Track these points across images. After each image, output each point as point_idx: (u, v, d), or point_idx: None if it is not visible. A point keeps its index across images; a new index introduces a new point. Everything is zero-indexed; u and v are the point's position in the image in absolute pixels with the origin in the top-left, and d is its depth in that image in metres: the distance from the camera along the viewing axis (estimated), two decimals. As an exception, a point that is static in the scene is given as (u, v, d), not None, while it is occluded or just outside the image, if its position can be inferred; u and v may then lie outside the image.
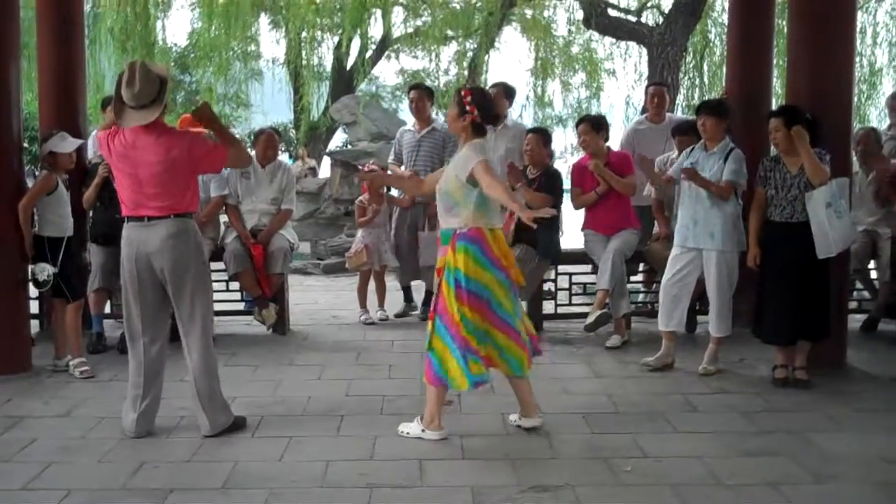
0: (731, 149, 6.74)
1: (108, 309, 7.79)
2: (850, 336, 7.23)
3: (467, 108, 5.21)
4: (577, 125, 8.11)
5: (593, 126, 7.79)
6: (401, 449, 5.04)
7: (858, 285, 8.57)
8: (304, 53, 18.44)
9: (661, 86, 9.48)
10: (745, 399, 6.07)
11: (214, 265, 7.89)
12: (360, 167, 6.81)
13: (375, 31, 20.28)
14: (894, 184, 6.61)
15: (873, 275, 8.40)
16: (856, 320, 8.04)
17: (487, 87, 9.56)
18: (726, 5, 11.58)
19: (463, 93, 5.34)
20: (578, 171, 8.00)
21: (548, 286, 8.60)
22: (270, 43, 28.61)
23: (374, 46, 23.31)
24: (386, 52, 25.23)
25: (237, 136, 5.59)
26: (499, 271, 5.18)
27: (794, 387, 6.33)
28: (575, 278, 8.59)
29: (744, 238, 6.73)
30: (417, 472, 4.69)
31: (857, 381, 6.58)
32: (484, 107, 5.27)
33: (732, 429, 5.45)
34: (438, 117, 9.38)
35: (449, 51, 19.64)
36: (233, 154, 5.37)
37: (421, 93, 8.99)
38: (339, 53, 19.83)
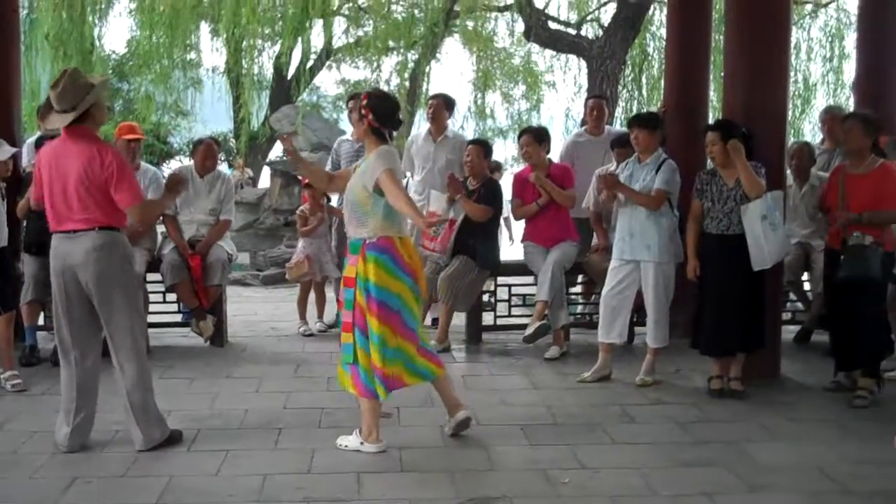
0: (663, 160, 6.81)
1: (41, 321, 7.65)
2: (783, 347, 7.33)
3: (363, 111, 5.21)
4: (520, 137, 8.16)
5: (536, 138, 7.83)
6: (339, 462, 5.01)
7: (792, 297, 8.69)
8: (244, 62, 18.32)
9: (600, 98, 9.57)
10: (681, 409, 6.13)
11: (151, 276, 7.85)
12: (283, 136, 6.72)
13: (317, 40, 20.21)
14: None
15: (807, 286, 8.52)
16: (789, 331, 8.16)
17: (428, 99, 9.59)
18: (665, 20, 11.71)
19: (362, 96, 5.34)
20: (520, 182, 8.03)
21: (487, 297, 8.62)
22: (210, 51, 28.35)
23: (314, 56, 23.25)
24: (327, 62, 25.17)
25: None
26: (408, 278, 5.19)
27: (729, 397, 6.40)
28: (514, 289, 8.61)
29: (680, 250, 6.80)
30: (355, 485, 4.67)
31: (791, 392, 6.67)
32: (379, 111, 5.24)
33: (669, 439, 5.50)
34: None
35: (390, 61, 19.66)
36: (139, 211, 5.30)
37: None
38: (280, 63, 19.72)
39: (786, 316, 8.35)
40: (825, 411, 6.15)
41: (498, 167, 13.33)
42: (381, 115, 5.25)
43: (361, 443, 5.21)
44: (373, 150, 5.27)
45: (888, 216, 6.29)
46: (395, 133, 5.54)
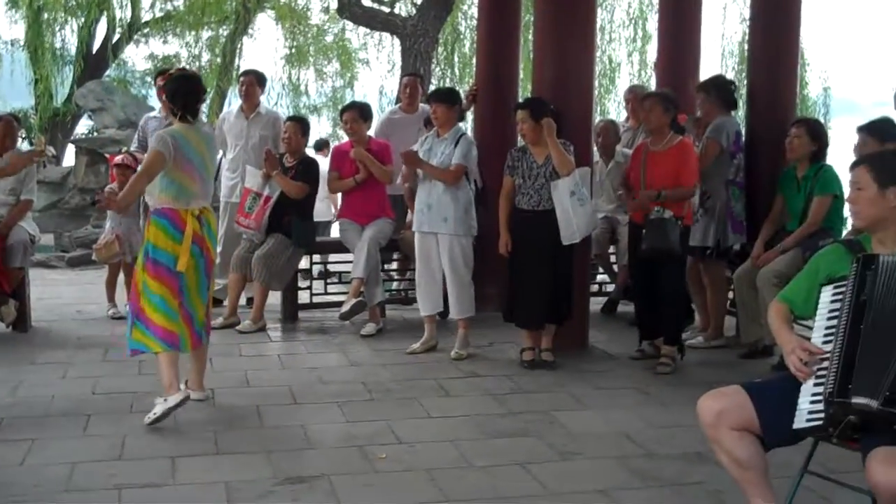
0: (461, 134, 6.94)
1: None
2: (591, 318, 7.58)
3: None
4: (343, 112, 8.12)
5: (361, 114, 7.83)
6: (152, 447, 4.89)
7: (599, 269, 9.00)
8: (45, 35, 17.53)
9: (414, 76, 9.61)
10: (495, 381, 6.26)
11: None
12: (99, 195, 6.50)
13: (124, 14, 19.53)
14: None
15: (612, 259, 8.83)
16: (597, 303, 8.45)
17: (240, 75, 9.43)
18: (476, -1, 11.87)
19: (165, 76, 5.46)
20: (338, 155, 8.01)
21: (319, 271, 8.60)
22: (9, 24, 26.98)
23: (121, 30, 22.45)
24: (135, 37, 24.33)
25: None
26: (194, 245, 5.30)
27: (540, 368, 6.57)
28: (330, 267, 8.58)
29: (475, 223, 6.95)
30: (170, 469, 4.57)
31: (599, 361, 6.91)
32: (173, 92, 5.43)
33: (483, 411, 5.61)
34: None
35: (201, 37, 19.19)
36: None
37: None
38: (84, 36, 18.95)
39: (593, 288, 8.64)
40: (631, 379, 6.40)
41: (326, 144, 13.27)
42: (176, 96, 5.38)
43: (165, 399, 5.18)
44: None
45: (683, 193, 6.57)
46: (199, 113, 5.56)
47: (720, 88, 7.40)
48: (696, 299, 7.50)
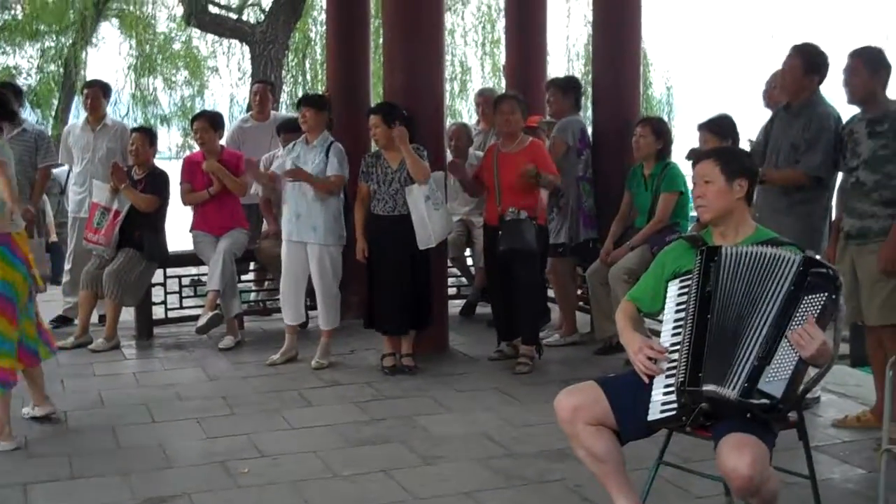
0: (331, 142, 6.89)
1: None
2: (451, 321, 7.65)
3: None
4: (192, 122, 7.97)
5: (210, 123, 7.69)
6: (2, 475, 4.69)
7: (456, 272, 9.07)
8: None
9: (264, 84, 9.50)
10: (357, 389, 6.25)
11: None
12: None
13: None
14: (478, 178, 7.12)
15: (469, 262, 8.92)
16: (455, 305, 8.52)
17: (83, 86, 9.16)
18: (325, 4, 11.81)
19: None
20: (189, 166, 7.84)
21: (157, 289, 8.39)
22: None
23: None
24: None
25: None
26: (24, 266, 5.14)
27: (402, 374, 6.60)
28: (185, 280, 8.41)
29: (345, 232, 6.93)
30: (21, 498, 4.40)
31: (460, 364, 6.97)
32: None
33: (346, 420, 5.59)
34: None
35: (43, 47, 18.56)
36: None
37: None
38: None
39: (451, 291, 8.71)
40: (491, 380, 6.47)
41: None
42: None
43: None
44: None
45: (554, 179, 6.74)
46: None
47: (574, 88, 7.67)
48: (558, 297, 7.66)
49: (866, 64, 5.11)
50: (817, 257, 3.45)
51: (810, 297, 3.29)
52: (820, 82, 5.58)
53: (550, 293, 7.76)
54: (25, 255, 5.15)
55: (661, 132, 6.88)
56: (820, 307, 3.27)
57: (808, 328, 3.21)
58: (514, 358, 6.81)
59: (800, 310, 3.27)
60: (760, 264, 3.39)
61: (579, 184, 7.35)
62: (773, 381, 3.23)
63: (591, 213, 7.41)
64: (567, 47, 18.14)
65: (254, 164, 7.43)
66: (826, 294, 3.29)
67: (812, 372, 3.53)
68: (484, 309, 8.40)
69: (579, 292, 7.82)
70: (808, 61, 5.55)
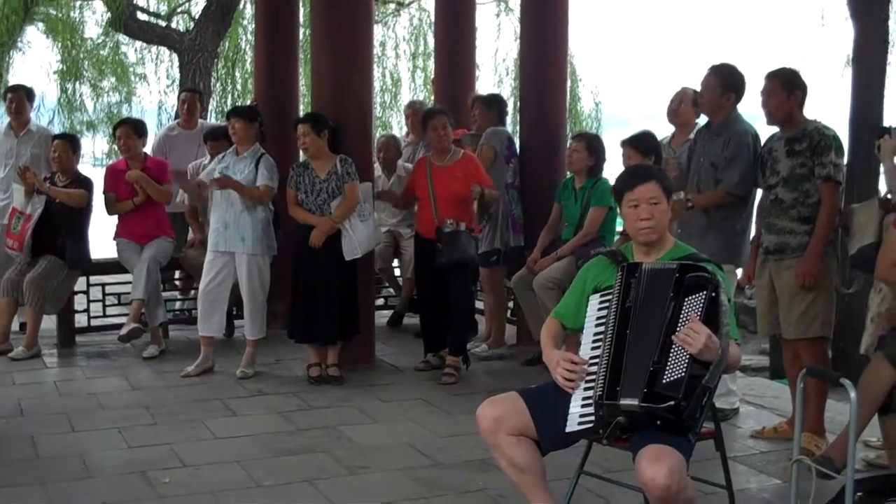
0: (261, 154, 6.86)
1: None
2: (377, 331, 7.65)
3: None
4: (115, 129, 7.89)
5: (135, 130, 7.61)
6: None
7: (384, 283, 9.08)
8: None
9: (192, 92, 9.43)
10: (282, 399, 6.23)
11: None
12: None
13: None
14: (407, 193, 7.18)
15: (397, 272, 8.94)
16: (382, 316, 8.52)
17: (6, 91, 9.01)
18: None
19: None
20: (113, 174, 7.71)
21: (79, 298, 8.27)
22: None
23: None
24: None
25: None
26: None
27: (327, 384, 6.58)
28: (109, 289, 8.31)
29: (274, 242, 6.91)
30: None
31: (386, 374, 6.98)
32: None
33: (270, 430, 5.57)
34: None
35: (-37, 51, 18.15)
36: None
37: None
38: None
39: (379, 301, 8.72)
40: (417, 390, 6.50)
41: None
42: None
43: None
44: None
45: (496, 195, 6.91)
46: None
47: (498, 103, 7.80)
48: (487, 307, 7.72)
49: (783, 85, 5.24)
50: (692, 262, 3.53)
51: (689, 298, 3.38)
52: (737, 101, 5.71)
53: (478, 304, 7.81)
54: None
55: (594, 149, 6.98)
56: (701, 306, 3.35)
57: (692, 325, 3.28)
58: (440, 369, 6.84)
59: (683, 311, 3.36)
60: (659, 279, 3.48)
61: (508, 191, 7.44)
62: (671, 381, 3.29)
63: (519, 220, 7.51)
64: (496, 62, 18.24)
65: (182, 175, 7.39)
66: (704, 293, 3.38)
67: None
68: (411, 320, 8.43)
69: (510, 304, 7.90)
70: (724, 80, 5.68)
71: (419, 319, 7.45)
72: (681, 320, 3.35)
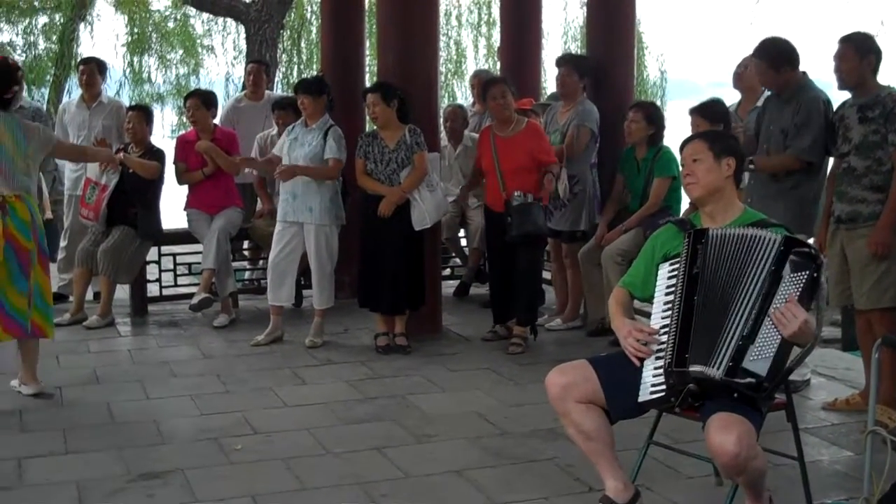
0: (330, 125, 6.89)
1: None
2: (444, 301, 7.67)
3: None
4: (185, 101, 7.97)
5: (203, 101, 7.68)
6: (-4, 449, 4.74)
7: (451, 253, 9.09)
8: None
9: (258, 63, 9.50)
10: (350, 368, 6.29)
11: None
12: None
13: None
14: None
15: (463, 242, 8.94)
16: (449, 286, 8.54)
17: (79, 63, 9.15)
18: (320, -16, 11.80)
19: None
20: (183, 145, 7.83)
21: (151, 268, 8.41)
22: None
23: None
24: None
25: None
26: None
27: (395, 353, 6.62)
28: (179, 258, 8.44)
29: (342, 213, 6.94)
30: (16, 471, 4.44)
31: (452, 344, 7.00)
32: None
33: (339, 398, 5.63)
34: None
35: (37, 24, 18.48)
36: None
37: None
38: None
39: (445, 272, 8.74)
40: (484, 360, 6.51)
41: None
42: None
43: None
44: None
45: (552, 168, 6.71)
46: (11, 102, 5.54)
47: (590, 72, 7.45)
48: (556, 282, 7.68)
49: (856, 49, 5.13)
50: (799, 237, 3.49)
51: (792, 276, 3.33)
52: (793, 70, 5.59)
53: (545, 274, 7.78)
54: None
55: (652, 118, 6.88)
56: (801, 286, 3.31)
57: (790, 306, 3.25)
58: (507, 339, 6.84)
59: (781, 289, 3.31)
60: (744, 245, 3.43)
61: (592, 170, 7.34)
62: (758, 360, 3.28)
63: (600, 198, 7.39)
64: (564, 29, 18.13)
65: (253, 160, 7.49)
66: (807, 273, 3.33)
67: (798, 351, 3.57)
68: (477, 290, 8.45)
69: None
70: (772, 59, 5.58)
71: (489, 291, 7.44)
72: (777, 297, 3.30)
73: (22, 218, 5.35)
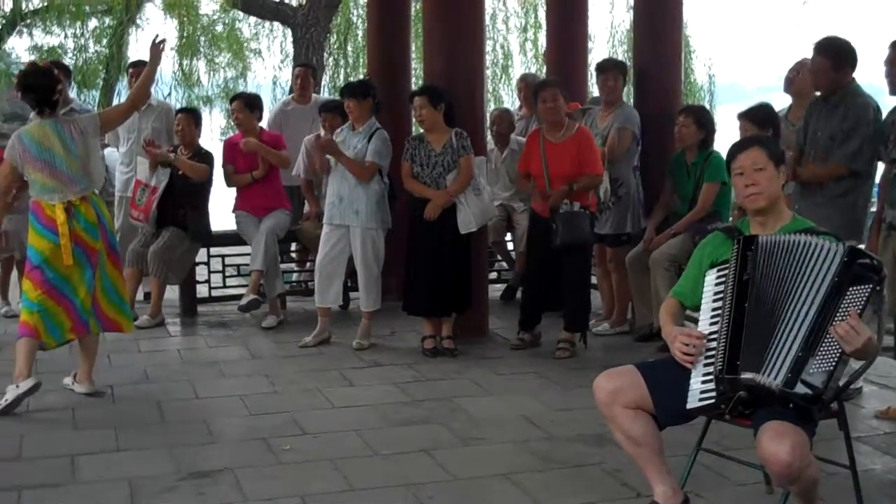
0: (376, 129, 6.92)
1: None
2: (491, 305, 7.68)
3: None
4: (231, 103, 8.06)
5: (247, 104, 7.76)
6: (51, 446, 4.80)
7: (497, 256, 9.10)
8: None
9: (305, 67, 9.57)
10: (397, 370, 6.32)
11: None
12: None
13: (3, 3, 18.93)
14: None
15: (510, 246, 8.94)
16: (496, 290, 8.54)
17: (128, 66, 9.26)
18: (367, -12, 11.84)
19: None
20: (230, 148, 7.93)
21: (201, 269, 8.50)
22: None
23: (3, 21, 21.74)
24: (18, 28, 23.59)
25: None
26: (55, 236, 5.37)
27: (442, 356, 6.65)
28: (228, 260, 8.52)
29: (388, 216, 6.97)
30: (69, 468, 4.50)
31: (499, 347, 7.01)
32: (24, 88, 5.53)
33: (386, 400, 5.65)
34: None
35: (87, 27, 18.72)
36: None
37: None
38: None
39: (492, 275, 8.74)
40: (531, 364, 6.51)
41: None
42: (26, 92, 5.53)
43: (16, 385, 5.31)
44: None
45: (593, 181, 6.69)
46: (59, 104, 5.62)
47: (625, 74, 7.56)
48: (602, 287, 7.66)
49: (907, 54, 5.08)
50: (861, 247, 3.45)
51: (855, 288, 3.25)
52: (852, 72, 5.52)
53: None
54: (55, 225, 5.37)
55: (703, 122, 6.85)
56: (864, 299, 3.23)
57: (853, 322, 3.17)
58: (533, 346, 6.87)
59: (844, 301, 3.24)
60: (799, 252, 3.36)
61: (635, 173, 7.33)
62: (816, 373, 3.22)
63: (644, 202, 7.38)
64: (610, 33, 18.06)
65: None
66: (871, 286, 3.25)
67: (857, 364, 3.53)
68: (525, 294, 8.43)
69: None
70: (836, 58, 5.50)
71: (522, 296, 7.42)
72: (839, 310, 3.23)
73: (87, 219, 5.47)
